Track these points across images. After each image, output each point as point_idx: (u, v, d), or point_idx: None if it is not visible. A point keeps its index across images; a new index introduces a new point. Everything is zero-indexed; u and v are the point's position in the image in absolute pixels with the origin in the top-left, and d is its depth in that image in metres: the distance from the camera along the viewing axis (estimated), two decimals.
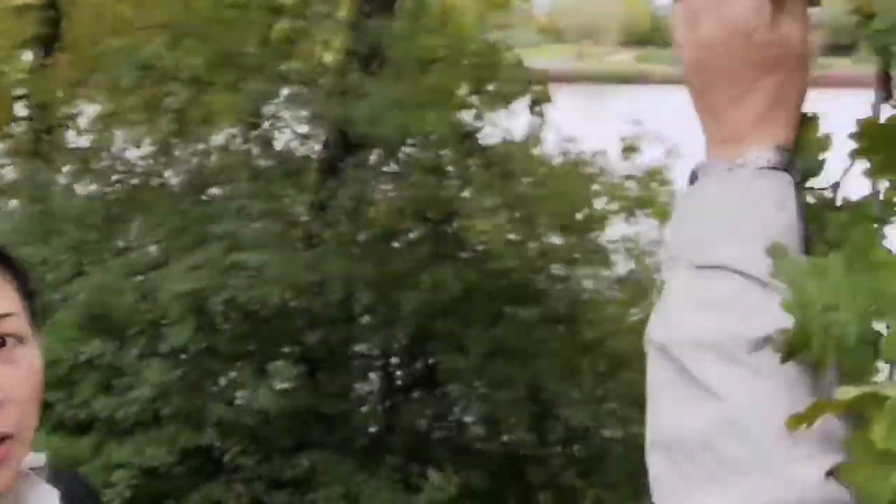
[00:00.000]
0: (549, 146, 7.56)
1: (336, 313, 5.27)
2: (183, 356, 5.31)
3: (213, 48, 6.90)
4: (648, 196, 7.65)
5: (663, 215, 7.63)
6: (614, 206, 7.29)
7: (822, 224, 0.65)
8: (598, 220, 6.96)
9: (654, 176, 7.81)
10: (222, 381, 5.46)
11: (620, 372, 6.42)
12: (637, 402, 6.48)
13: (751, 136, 0.69)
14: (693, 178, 0.72)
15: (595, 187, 7.13)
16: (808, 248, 0.65)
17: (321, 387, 5.38)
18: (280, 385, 5.03)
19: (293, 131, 6.79)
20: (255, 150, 6.49)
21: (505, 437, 6.15)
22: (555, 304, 6.03)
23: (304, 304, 5.26)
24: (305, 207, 5.68)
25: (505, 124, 7.13)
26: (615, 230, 7.21)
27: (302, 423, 5.28)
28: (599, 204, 7.12)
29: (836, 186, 0.68)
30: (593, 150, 7.68)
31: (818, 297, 0.57)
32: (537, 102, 7.56)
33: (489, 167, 6.20)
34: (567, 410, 5.86)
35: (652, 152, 7.95)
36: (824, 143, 0.69)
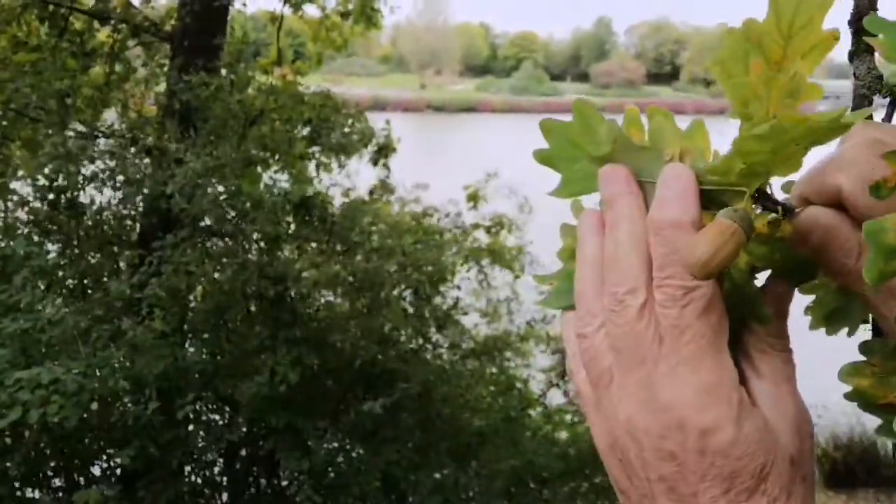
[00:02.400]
0: (398, 193, 7.15)
1: (156, 418, 4.52)
2: None
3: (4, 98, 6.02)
4: (497, 245, 7.39)
5: (512, 267, 7.38)
6: (461, 257, 6.95)
7: None
8: (448, 275, 6.54)
9: (501, 224, 7.57)
10: None
11: (480, 449, 6.01)
12: (499, 479, 6.13)
13: None
14: None
15: (439, 237, 6.74)
16: None
17: None
18: None
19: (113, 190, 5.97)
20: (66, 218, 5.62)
21: None
22: (406, 382, 5.52)
23: (117, 411, 4.48)
24: (121, 292, 4.88)
25: (347, 179, 6.63)
26: (466, 286, 6.86)
27: None
28: (448, 257, 6.73)
29: None
30: (447, 196, 7.37)
31: None
32: (382, 153, 7.12)
33: (329, 234, 5.63)
34: (424, 499, 5.35)
35: (500, 200, 7.74)
36: None
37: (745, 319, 0.55)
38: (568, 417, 7.03)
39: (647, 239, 0.53)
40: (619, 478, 0.55)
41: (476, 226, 7.47)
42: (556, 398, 7.10)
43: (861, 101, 0.59)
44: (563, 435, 6.97)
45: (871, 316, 0.56)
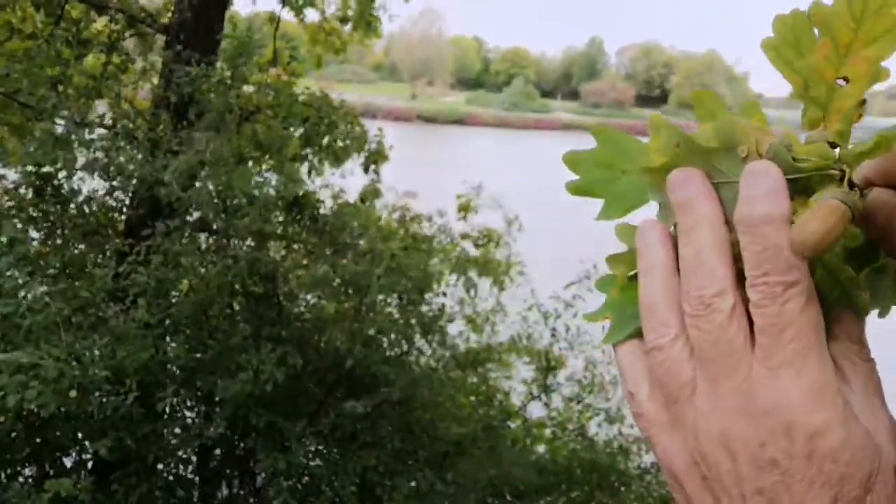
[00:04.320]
0: (385, 200, 7.14)
1: (136, 410, 4.46)
2: None
3: None
4: (484, 257, 7.39)
5: (499, 279, 7.39)
6: (447, 266, 6.94)
7: None
8: (434, 283, 6.53)
9: (489, 237, 7.59)
10: None
11: (458, 458, 5.99)
12: (476, 489, 6.11)
13: None
14: None
15: (427, 246, 6.73)
16: None
17: (116, 501, 4.55)
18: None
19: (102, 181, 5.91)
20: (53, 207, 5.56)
21: None
22: (388, 386, 5.49)
23: (96, 401, 4.41)
24: (104, 282, 4.82)
25: (338, 182, 6.61)
26: (452, 294, 6.86)
27: None
28: (435, 265, 6.72)
29: None
30: (435, 206, 7.36)
31: None
32: (374, 160, 7.11)
33: (319, 234, 5.61)
34: None
35: (487, 212, 7.77)
36: None
37: (830, 325, 0.53)
38: (547, 432, 7.03)
39: (729, 240, 0.52)
40: (701, 498, 0.51)
41: (465, 236, 7.48)
42: (535, 411, 7.10)
43: None
44: (541, 448, 6.97)
45: None
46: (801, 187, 0.52)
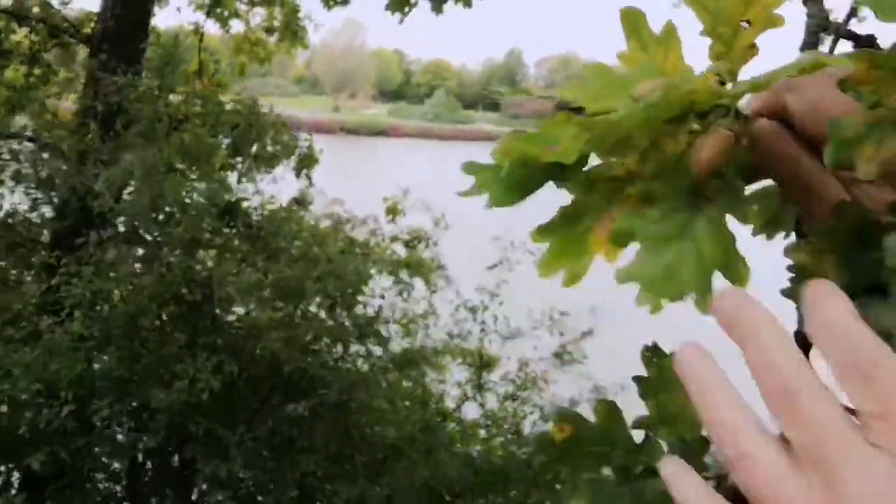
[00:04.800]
0: (315, 207, 7.16)
1: (70, 423, 4.39)
2: None
3: None
4: (415, 259, 7.47)
5: (430, 280, 7.48)
6: (380, 268, 7.00)
7: None
8: (367, 286, 6.57)
9: (419, 237, 7.67)
10: None
11: (396, 461, 6.05)
12: (414, 491, 6.17)
13: None
14: None
15: (363, 250, 6.78)
16: None
17: None
18: None
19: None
20: None
21: None
22: (325, 390, 5.52)
23: (27, 415, 4.33)
24: (34, 295, 4.74)
25: (269, 189, 6.62)
26: (386, 298, 6.91)
27: None
28: (367, 270, 6.77)
29: None
30: (361, 215, 7.41)
31: None
32: (304, 165, 7.13)
33: (252, 241, 5.62)
34: None
35: (415, 214, 7.85)
36: None
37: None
38: (482, 432, 7.13)
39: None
40: None
41: (395, 238, 7.55)
42: (470, 412, 7.20)
43: (812, 37, 0.72)
44: (477, 449, 7.06)
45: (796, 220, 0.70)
46: (698, 116, 0.62)
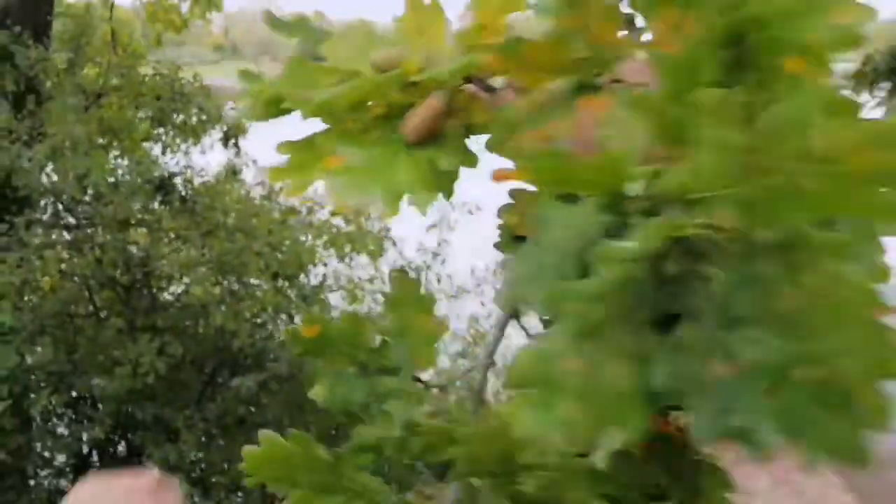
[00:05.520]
0: (248, 179, 6.91)
1: (8, 421, 4.17)
2: None
3: None
4: (358, 232, 7.29)
5: (373, 253, 7.31)
6: (321, 242, 6.81)
7: None
8: (309, 260, 6.40)
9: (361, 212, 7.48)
10: None
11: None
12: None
13: None
14: None
15: (294, 221, 6.58)
16: None
17: None
18: None
19: None
20: None
21: None
22: (274, 363, 5.37)
23: None
24: None
25: (198, 160, 6.35)
26: (328, 265, 6.75)
27: None
28: (308, 243, 6.58)
29: None
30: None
31: None
32: (233, 134, 6.86)
33: (189, 215, 5.38)
34: None
35: None
36: None
37: None
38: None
39: None
40: None
41: (335, 213, 7.34)
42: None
43: None
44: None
45: None
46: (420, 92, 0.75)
